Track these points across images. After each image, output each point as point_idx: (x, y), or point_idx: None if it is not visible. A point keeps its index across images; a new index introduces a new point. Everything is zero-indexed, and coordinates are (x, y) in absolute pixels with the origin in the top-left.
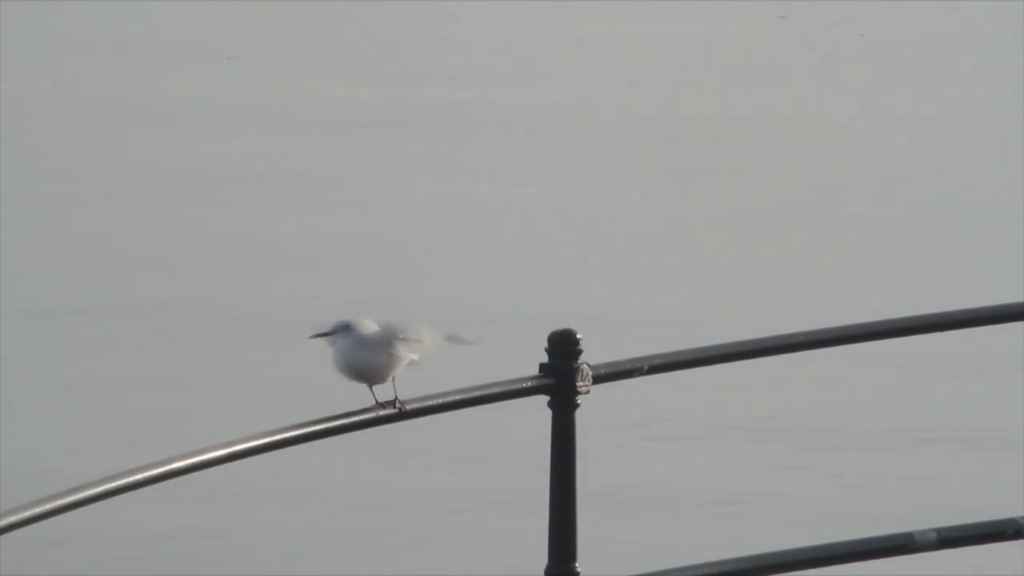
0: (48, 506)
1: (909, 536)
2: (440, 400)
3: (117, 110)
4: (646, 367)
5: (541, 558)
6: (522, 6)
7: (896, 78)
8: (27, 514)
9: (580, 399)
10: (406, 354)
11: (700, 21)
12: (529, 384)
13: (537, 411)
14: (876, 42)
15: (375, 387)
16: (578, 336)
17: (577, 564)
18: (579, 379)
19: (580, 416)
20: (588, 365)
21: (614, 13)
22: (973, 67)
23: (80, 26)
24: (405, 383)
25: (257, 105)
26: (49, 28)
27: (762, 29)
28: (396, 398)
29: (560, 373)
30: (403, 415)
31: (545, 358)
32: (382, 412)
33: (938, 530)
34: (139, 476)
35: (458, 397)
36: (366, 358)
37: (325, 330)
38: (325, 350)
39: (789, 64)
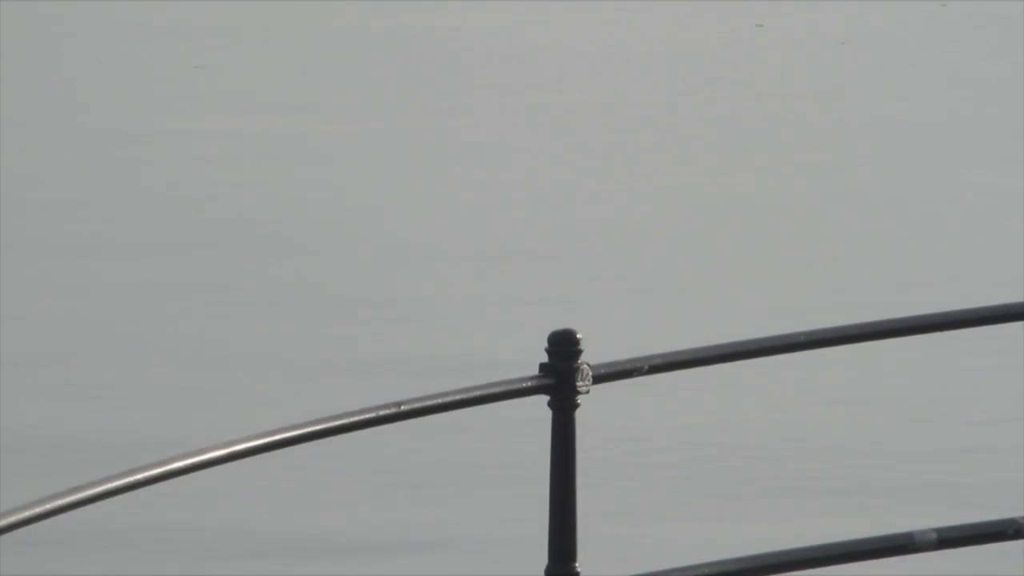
0: (48, 506)
1: (909, 536)
2: (439, 400)
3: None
4: (646, 367)
5: (541, 558)
6: (506, 8)
7: (885, 82)
8: (27, 514)
9: (580, 399)
10: None
11: (673, 27)
12: (529, 384)
13: (538, 411)
14: (859, 50)
15: None
16: (578, 336)
17: (577, 564)
18: (579, 379)
19: (580, 416)
20: (588, 365)
21: (578, 18)
22: (965, 70)
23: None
24: (405, 383)
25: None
26: None
27: (738, 36)
28: None
29: (560, 373)
30: (402, 415)
31: (545, 358)
32: (381, 412)
33: (938, 530)
34: (139, 476)
35: (457, 397)
36: None
37: None
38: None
39: (768, 70)
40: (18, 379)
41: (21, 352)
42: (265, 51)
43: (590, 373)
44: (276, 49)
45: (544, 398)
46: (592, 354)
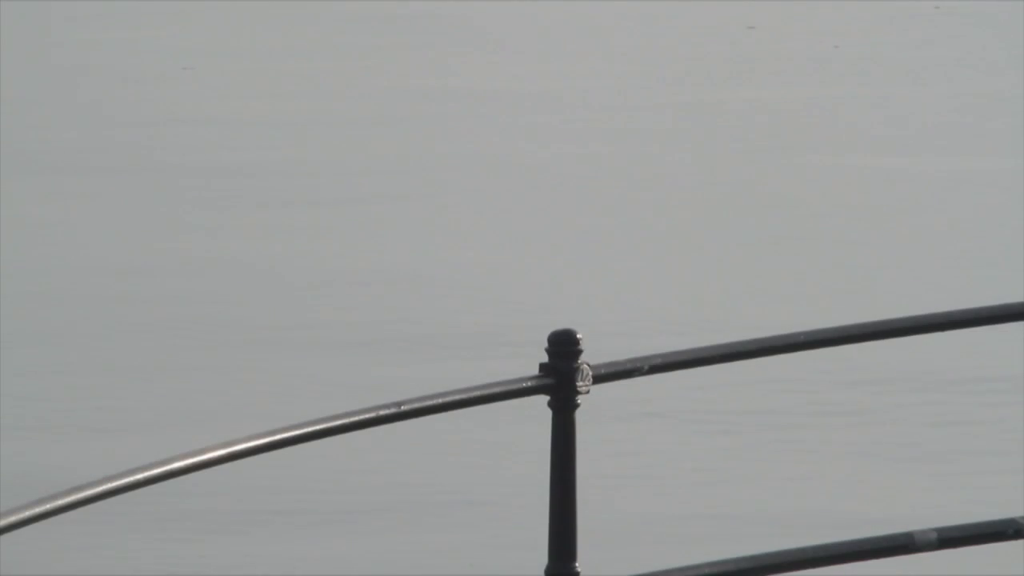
0: (48, 506)
1: (909, 536)
2: (440, 400)
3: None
4: (646, 367)
5: (541, 558)
6: (497, 9)
7: (879, 85)
8: (27, 514)
9: (580, 399)
10: None
11: (663, 29)
12: (529, 384)
13: (537, 411)
14: (851, 53)
15: None
16: (578, 336)
17: (577, 564)
18: (579, 379)
19: (580, 415)
20: (588, 365)
21: (571, 18)
22: (960, 71)
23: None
24: (406, 383)
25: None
26: None
27: (731, 38)
28: None
29: (560, 373)
30: (402, 415)
31: (545, 358)
32: (381, 412)
33: (938, 530)
34: (139, 476)
35: (457, 397)
36: None
37: None
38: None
39: (761, 73)
40: (25, 357)
41: (24, 330)
42: (258, 52)
43: (590, 373)
44: (269, 50)
45: (544, 398)
46: (593, 349)
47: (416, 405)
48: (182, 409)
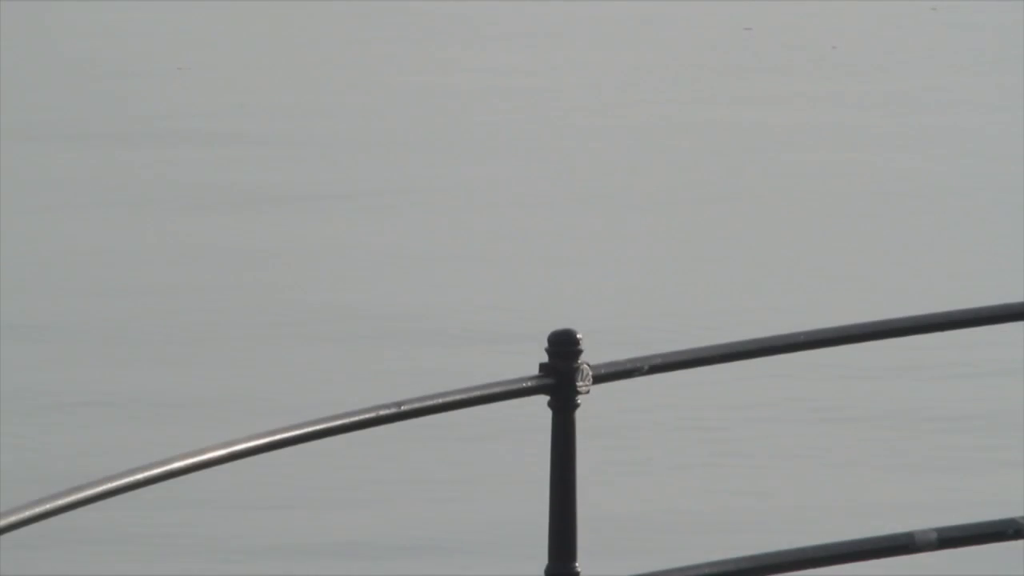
0: (48, 506)
1: (909, 536)
2: (439, 400)
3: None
4: (646, 367)
5: (541, 558)
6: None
7: (876, 85)
8: (27, 514)
9: (580, 399)
10: None
11: (660, 30)
12: (529, 384)
13: (538, 410)
14: (849, 54)
15: None
16: (578, 336)
17: (577, 564)
18: (579, 379)
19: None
20: (588, 365)
21: (564, 18)
22: (958, 72)
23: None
24: (406, 382)
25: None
26: None
27: (727, 40)
28: None
29: (560, 373)
30: (402, 415)
31: (545, 358)
32: (381, 412)
33: (938, 530)
34: (139, 476)
35: (458, 397)
36: None
37: None
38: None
39: (758, 72)
40: (25, 351)
41: (25, 324)
42: (251, 53)
43: (590, 373)
44: (266, 50)
45: (544, 398)
46: (594, 350)
47: (416, 405)
48: (184, 404)
